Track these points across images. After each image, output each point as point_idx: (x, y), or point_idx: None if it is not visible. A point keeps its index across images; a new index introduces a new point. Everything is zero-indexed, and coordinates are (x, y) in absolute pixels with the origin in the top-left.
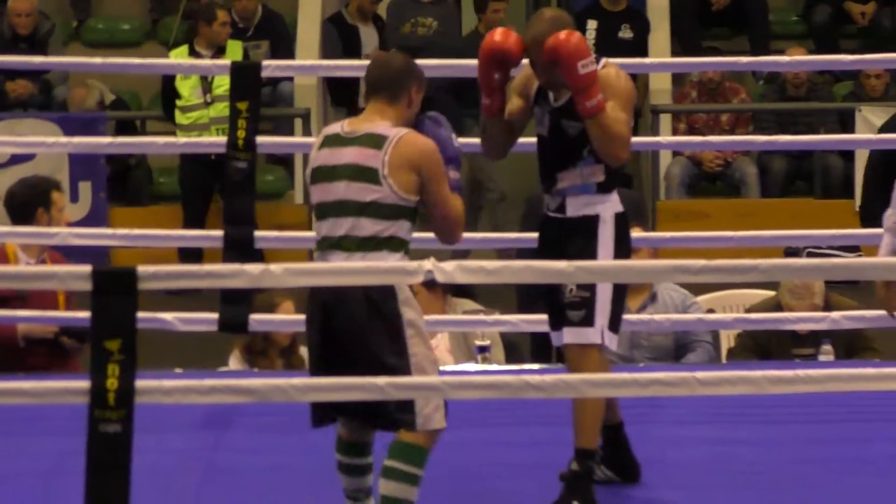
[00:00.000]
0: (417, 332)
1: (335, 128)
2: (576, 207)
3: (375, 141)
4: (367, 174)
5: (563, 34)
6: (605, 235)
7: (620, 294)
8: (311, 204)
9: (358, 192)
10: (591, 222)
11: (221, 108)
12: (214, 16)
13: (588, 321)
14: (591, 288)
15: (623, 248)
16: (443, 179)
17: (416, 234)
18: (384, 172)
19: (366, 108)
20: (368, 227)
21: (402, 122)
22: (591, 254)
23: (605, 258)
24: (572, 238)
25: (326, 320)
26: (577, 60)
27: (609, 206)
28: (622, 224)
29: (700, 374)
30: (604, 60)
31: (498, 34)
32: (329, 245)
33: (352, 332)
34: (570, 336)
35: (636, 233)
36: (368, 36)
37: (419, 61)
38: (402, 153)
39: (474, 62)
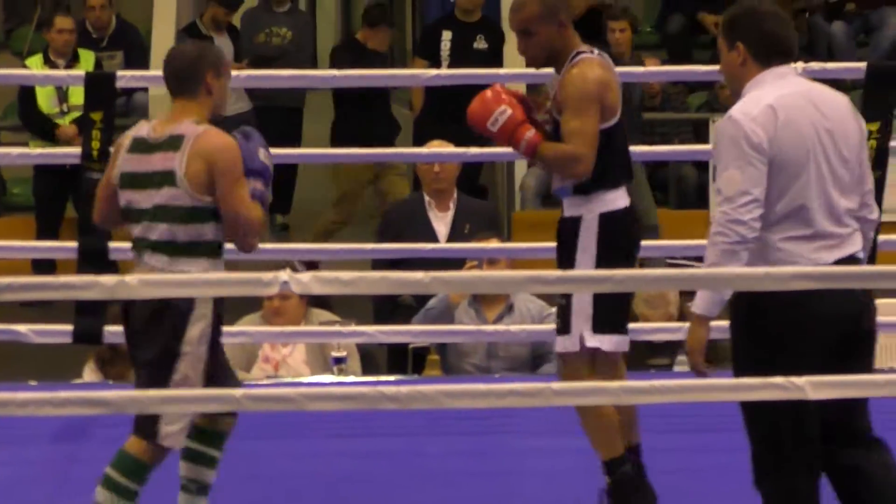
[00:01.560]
0: (193, 351)
1: (143, 130)
2: (567, 209)
3: (175, 143)
4: (168, 178)
5: (474, 101)
6: (586, 238)
7: (612, 294)
8: (121, 206)
9: (165, 198)
10: (575, 224)
11: (79, 117)
12: (52, 22)
13: (564, 329)
14: (567, 296)
15: (612, 248)
16: (236, 179)
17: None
18: (181, 174)
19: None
20: (176, 231)
21: (207, 113)
22: (570, 257)
23: (585, 261)
24: (562, 240)
25: (126, 323)
26: (483, 123)
27: (592, 207)
28: (610, 224)
29: (556, 385)
30: (581, 56)
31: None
32: (145, 246)
33: (135, 335)
34: (556, 344)
35: (492, 243)
36: (223, 46)
37: (274, 72)
38: (196, 151)
39: (330, 72)
